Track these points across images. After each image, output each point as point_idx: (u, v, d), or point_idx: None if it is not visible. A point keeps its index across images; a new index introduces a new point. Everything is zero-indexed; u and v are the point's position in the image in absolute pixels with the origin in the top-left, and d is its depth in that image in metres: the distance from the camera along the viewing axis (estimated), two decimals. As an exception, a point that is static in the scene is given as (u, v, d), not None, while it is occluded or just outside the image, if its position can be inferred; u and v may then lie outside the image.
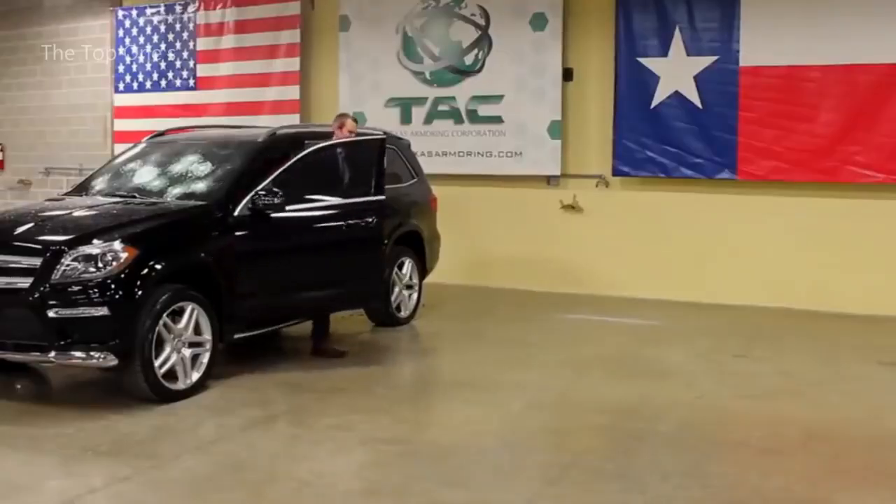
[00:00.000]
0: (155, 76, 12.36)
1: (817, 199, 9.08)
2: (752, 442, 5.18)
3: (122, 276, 5.56)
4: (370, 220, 6.92)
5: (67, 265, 5.53)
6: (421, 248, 8.48)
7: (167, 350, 5.77)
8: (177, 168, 7.09)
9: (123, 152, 7.91)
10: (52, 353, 5.53)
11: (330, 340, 7.19)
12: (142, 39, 12.43)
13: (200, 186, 6.74)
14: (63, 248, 5.60)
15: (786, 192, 9.21)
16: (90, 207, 6.56)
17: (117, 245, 5.65)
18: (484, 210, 10.44)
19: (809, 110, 8.98)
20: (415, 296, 8.51)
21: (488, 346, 7.58)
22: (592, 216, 10.08)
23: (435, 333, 8.18)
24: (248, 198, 6.48)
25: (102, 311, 5.48)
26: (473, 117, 10.45)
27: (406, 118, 10.74)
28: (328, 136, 8.18)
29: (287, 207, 6.72)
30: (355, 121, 7.56)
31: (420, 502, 4.30)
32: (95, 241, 5.67)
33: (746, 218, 9.36)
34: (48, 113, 13.26)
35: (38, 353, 5.61)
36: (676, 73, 9.43)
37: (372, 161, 7.09)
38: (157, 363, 5.69)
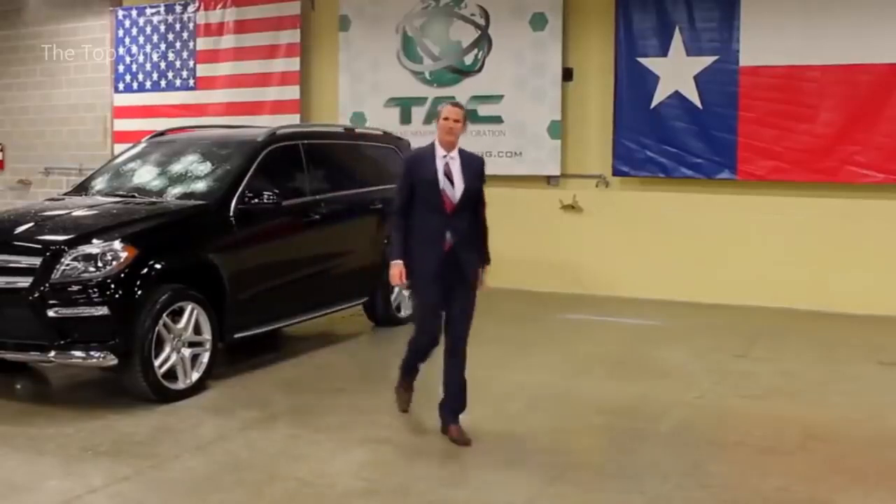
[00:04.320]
0: (155, 76, 12.36)
1: (817, 199, 9.08)
2: (751, 442, 5.17)
3: (122, 275, 5.56)
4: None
5: (67, 265, 5.53)
6: (421, 248, 8.48)
7: (167, 350, 5.78)
8: (176, 168, 7.09)
9: (123, 152, 7.91)
10: (52, 353, 5.54)
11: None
12: (142, 39, 12.42)
13: (200, 186, 6.74)
14: (63, 247, 5.61)
15: (786, 192, 9.20)
16: (90, 207, 6.56)
17: (117, 245, 5.65)
18: (484, 210, 10.42)
19: (809, 110, 8.98)
20: (415, 296, 8.51)
21: (488, 346, 7.56)
22: (592, 216, 10.07)
23: (435, 333, 8.17)
24: (247, 197, 6.50)
25: (102, 310, 5.49)
26: (473, 117, 10.41)
27: (406, 118, 10.74)
28: (328, 135, 8.22)
29: (285, 205, 6.75)
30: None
31: (420, 502, 4.31)
32: (95, 241, 5.67)
33: (746, 218, 9.36)
34: (48, 113, 13.26)
35: (37, 353, 5.62)
36: (676, 72, 9.43)
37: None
38: (156, 363, 5.70)
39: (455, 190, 4.98)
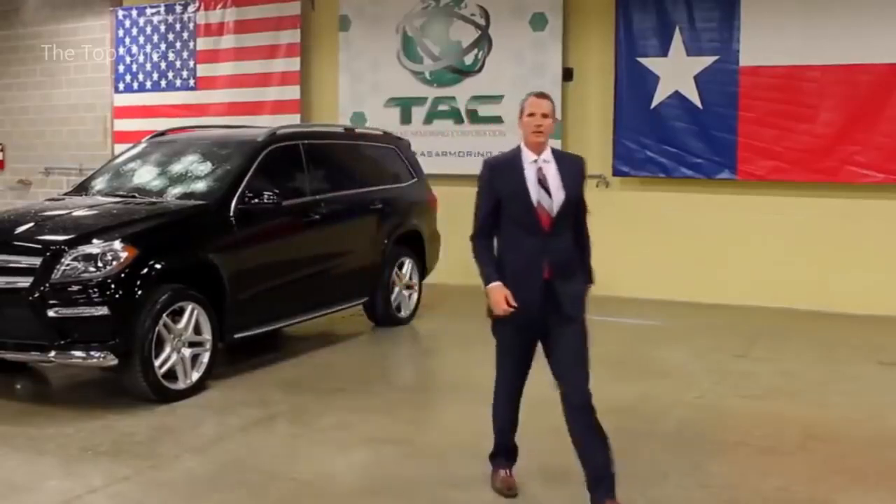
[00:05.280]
0: (155, 76, 12.36)
1: (817, 199, 9.08)
2: (751, 442, 5.17)
3: (122, 275, 5.56)
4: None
5: (67, 265, 5.53)
6: (421, 248, 8.48)
7: (167, 350, 5.78)
8: (177, 168, 7.09)
9: (123, 152, 7.91)
10: (52, 353, 5.53)
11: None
12: (142, 39, 12.42)
13: (200, 186, 6.74)
14: (63, 247, 5.61)
15: (786, 192, 9.20)
16: (90, 207, 6.56)
17: (117, 245, 5.65)
18: (484, 210, 10.41)
19: (809, 110, 8.98)
20: (415, 296, 8.50)
21: (488, 346, 7.51)
22: (592, 216, 9.97)
23: (435, 333, 8.17)
24: (247, 197, 6.50)
25: (102, 310, 5.48)
26: (473, 117, 10.43)
27: (406, 118, 10.74)
28: (328, 135, 8.24)
29: (285, 205, 6.76)
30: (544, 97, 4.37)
31: (420, 502, 4.31)
32: (95, 241, 5.67)
33: (746, 218, 9.36)
34: (48, 113, 13.26)
35: (38, 353, 5.61)
36: (676, 73, 9.43)
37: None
38: (156, 363, 5.70)
39: (553, 201, 4.04)
